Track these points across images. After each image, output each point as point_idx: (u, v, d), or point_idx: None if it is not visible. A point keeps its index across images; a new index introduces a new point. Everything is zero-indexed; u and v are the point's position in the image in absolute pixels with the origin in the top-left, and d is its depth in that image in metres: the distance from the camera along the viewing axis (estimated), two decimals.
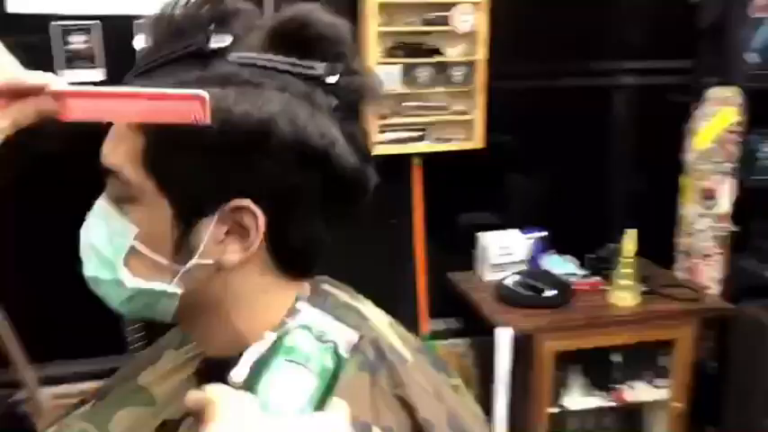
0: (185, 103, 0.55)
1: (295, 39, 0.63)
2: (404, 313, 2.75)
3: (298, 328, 0.50)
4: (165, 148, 0.61)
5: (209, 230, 0.62)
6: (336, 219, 0.68)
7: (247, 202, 0.61)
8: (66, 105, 0.59)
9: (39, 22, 2.09)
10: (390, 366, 0.67)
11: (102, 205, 0.66)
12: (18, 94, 0.64)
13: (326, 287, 0.75)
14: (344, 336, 0.51)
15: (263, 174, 0.61)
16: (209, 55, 0.61)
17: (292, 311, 0.53)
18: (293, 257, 0.67)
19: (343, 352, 0.50)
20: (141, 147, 0.61)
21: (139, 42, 0.70)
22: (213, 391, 0.46)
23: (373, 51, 2.33)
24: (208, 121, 0.56)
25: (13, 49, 0.67)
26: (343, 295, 0.74)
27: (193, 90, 0.55)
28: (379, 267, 2.45)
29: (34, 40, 2.09)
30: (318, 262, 0.70)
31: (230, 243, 0.63)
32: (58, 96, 0.60)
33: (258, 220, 0.62)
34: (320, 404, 0.48)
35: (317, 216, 0.65)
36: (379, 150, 2.58)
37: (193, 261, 0.63)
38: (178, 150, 0.60)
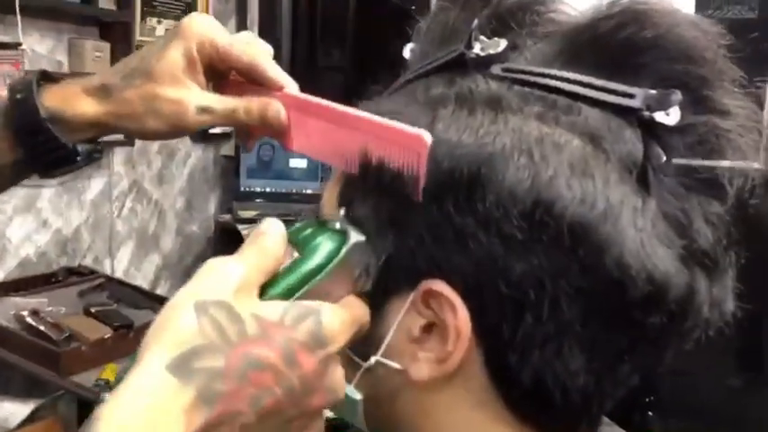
0: (406, 143, 0.42)
1: (610, 47, 0.42)
2: None
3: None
4: (355, 180, 0.45)
5: (399, 317, 0.43)
6: (620, 356, 0.43)
7: (441, 286, 0.41)
8: (293, 124, 0.53)
9: None
10: None
11: None
12: (252, 81, 0.57)
13: None
14: None
15: (466, 245, 0.40)
16: (470, 65, 0.44)
17: None
18: (528, 399, 0.43)
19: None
20: (342, 181, 0.47)
21: (407, 51, 0.54)
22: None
23: None
24: (420, 171, 0.41)
25: None
26: None
27: (415, 130, 0.41)
28: None
29: None
30: (592, 415, 0.46)
31: (427, 348, 0.43)
32: (290, 105, 0.54)
33: (458, 317, 0.41)
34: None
35: (567, 338, 0.41)
36: None
37: (376, 357, 0.45)
38: (366, 186, 0.44)
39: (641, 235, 0.39)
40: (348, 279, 0.43)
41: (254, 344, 0.38)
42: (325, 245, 0.42)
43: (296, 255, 0.42)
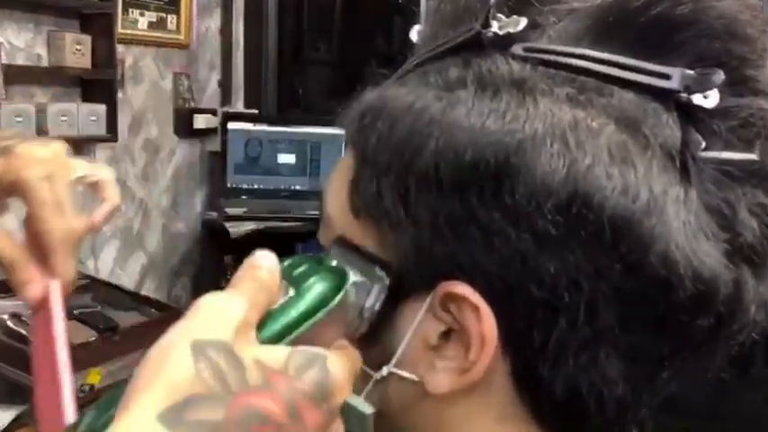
0: None
1: (642, 24, 0.39)
2: None
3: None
4: (371, 172, 0.40)
5: (415, 322, 0.40)
6: (661, 363, 0.39)
7: (462, 288, 0.37)
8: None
9: None
10: None
11: None
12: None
13: None
14: None
15: (492, 242, 0.37)
16: (487, 46, 0.41)
17: None
18: (559, 411, 0.40)
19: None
20: (351, 175, 0.42)
21: (414, 33, 0.49)
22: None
23: None
24: None
25: None
26: None
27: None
28: None
29: None
30: (625, 427, 0.42)
31: (446, 357, 0.39)
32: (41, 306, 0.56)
33: (483, 323, 0.37)
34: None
35: (604, 344, 0.38)
36: None
37: (389, 367, 0.41)
38: (382, 176, 0.40)
39: (687, 229, 0.36)
40: (342, 321, 0.40)
41: (256, 394, 0.34)
42: (321, 285, 0.39)
43: (291, 292, 0.39)
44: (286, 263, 0.40)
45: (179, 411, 0.32)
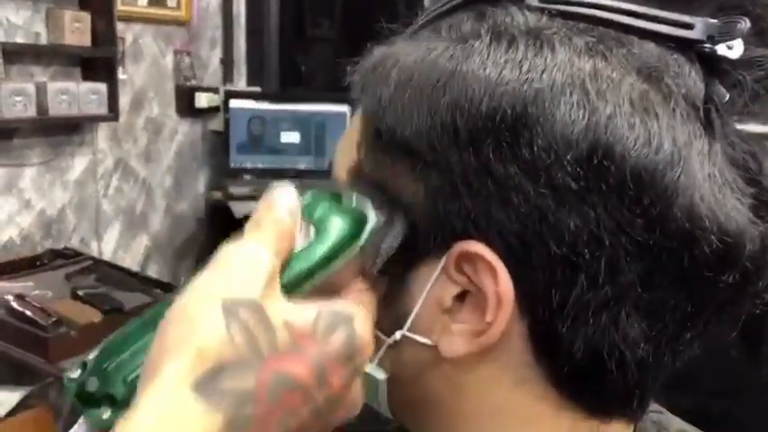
0: None
1: None
2: None
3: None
4: (383, 126, 0.39)
5: (428, 285, 0.38)
6: (684, 322, 0.38)
7: (478, 247, 0.36)
8: None
9: None
10: None
11: None
12: None
13: None
14: None
15: (509, 198, 0.35)
16: None
17: None
18: (579, 374, 0.38)
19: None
20: (361, 133, 0.41)
21: None
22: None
23: None
24: None
25: None
26: None
27: None
28: None
29: None
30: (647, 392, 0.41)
31: (461, 320, 0.38)
32: None
33: (500, 283, 0.36)
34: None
35: (626, 303, 0.36)
36: None
37: (402, 332, 0.40)
38: (394, 130, 0.38)
39: (711, 181, 0.35)
40: (359, 262, 0.39)
41: (285, 359, 0.33)
42: (343, 227, 0.38)
43: (312, 231, 0.38)
44: (305, 200, 0.39)
45: (212, 380, 0.31)
